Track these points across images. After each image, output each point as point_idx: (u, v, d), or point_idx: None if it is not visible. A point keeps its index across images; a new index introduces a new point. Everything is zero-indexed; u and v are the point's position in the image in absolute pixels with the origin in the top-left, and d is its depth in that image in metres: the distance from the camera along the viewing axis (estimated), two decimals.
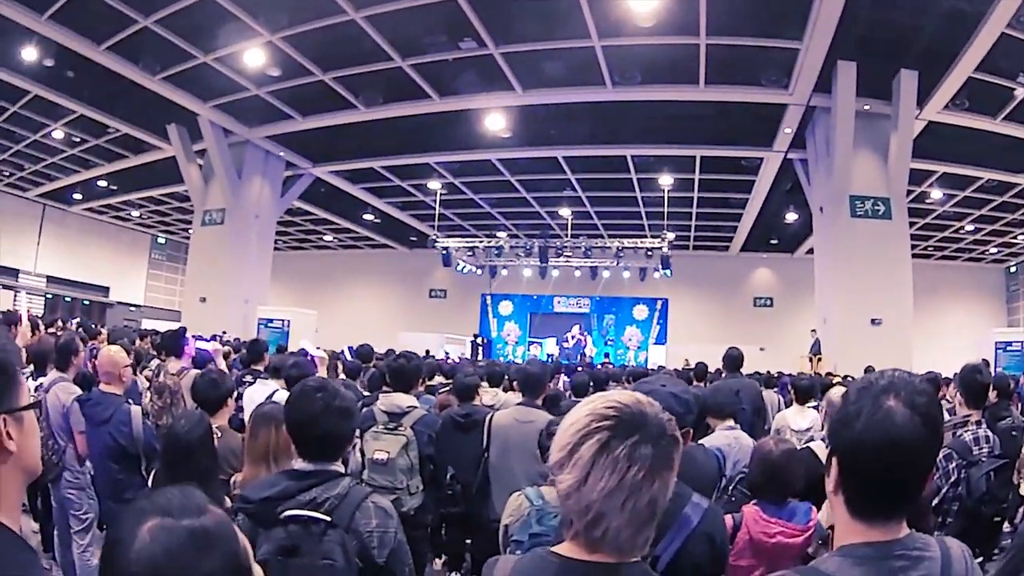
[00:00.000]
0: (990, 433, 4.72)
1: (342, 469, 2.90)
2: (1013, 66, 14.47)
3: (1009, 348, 17.39)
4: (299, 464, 2.82)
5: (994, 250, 30.29)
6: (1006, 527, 4.82)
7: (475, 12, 13.86)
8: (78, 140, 21.97)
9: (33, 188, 27.39)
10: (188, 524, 1.26)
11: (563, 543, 1.62)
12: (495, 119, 19.05)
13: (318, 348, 8.47)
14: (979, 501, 4.40)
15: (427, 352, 21.77)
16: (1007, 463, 4.76)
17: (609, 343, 35.04)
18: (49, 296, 29.48)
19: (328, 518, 2.64)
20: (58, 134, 21.42)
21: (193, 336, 11.46)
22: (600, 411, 1.54)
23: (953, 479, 4.42)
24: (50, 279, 29.58)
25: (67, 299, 30.59)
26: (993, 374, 14.06)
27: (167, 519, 1.25)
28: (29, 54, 15.77)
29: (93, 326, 13.25)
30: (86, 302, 31.44)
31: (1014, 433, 6.93)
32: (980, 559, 4.33)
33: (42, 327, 12.27)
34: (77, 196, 28.71)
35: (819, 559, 1.73)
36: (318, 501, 2.66)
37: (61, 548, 5.62)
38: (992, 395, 7.66)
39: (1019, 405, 8.91)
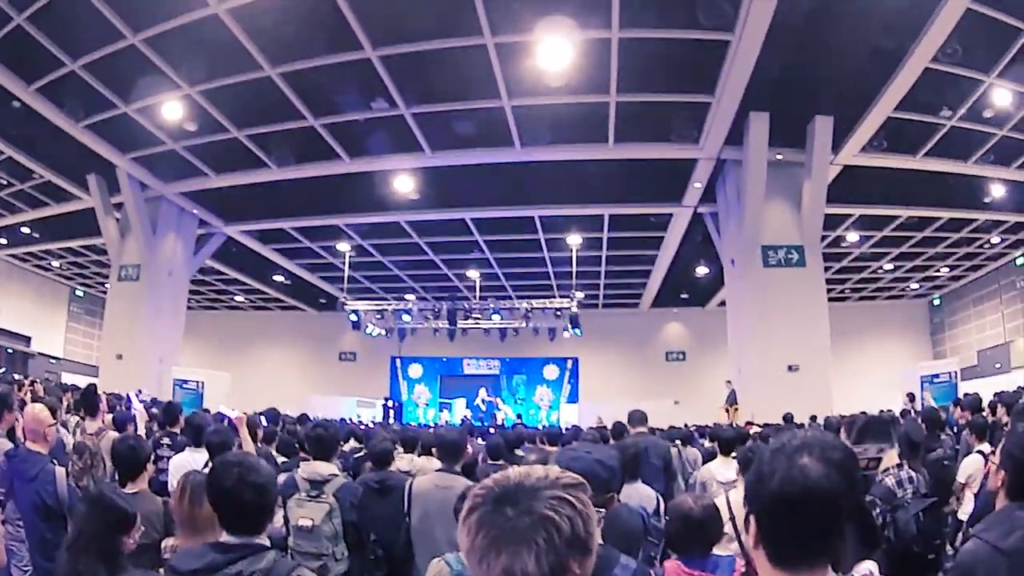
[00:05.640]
0: (912, 473, 4.73)
1: (267, 542, 2.92)
2: (937, 101, 14.41)
3: (936, 380, 17.57)
4: (224, 537, 2.85)
5: (915, 285, 30.42)
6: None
7: (388, 72, 13.86)
8: (4, 183, 21.17)
9: None
10: None
11: None
12: (404, 180, 19.05)
13: (233, 410, 8.31)
14: (910, 542, 4.40)
15: (342, 419, 21.40)
16: (935, 502, 4.77)
17: (519, 402, 34.93)
18: None
19: None
20: None
21: (128, 393, 11.44)
22: (486, 483, 1.54)
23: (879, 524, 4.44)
24: None
25: None
26: (920, 408, 14.39)
27: None
28: None
29: (16, 377, 13.04)
30: (10, 351, 30.24)
31: (946, 463, 7.07)
32: None
33: None
34: (2, 241, 27.52)
35: None
36: (244, 574, 2.70)
37: None
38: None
39: (952, 435, 9.09)
